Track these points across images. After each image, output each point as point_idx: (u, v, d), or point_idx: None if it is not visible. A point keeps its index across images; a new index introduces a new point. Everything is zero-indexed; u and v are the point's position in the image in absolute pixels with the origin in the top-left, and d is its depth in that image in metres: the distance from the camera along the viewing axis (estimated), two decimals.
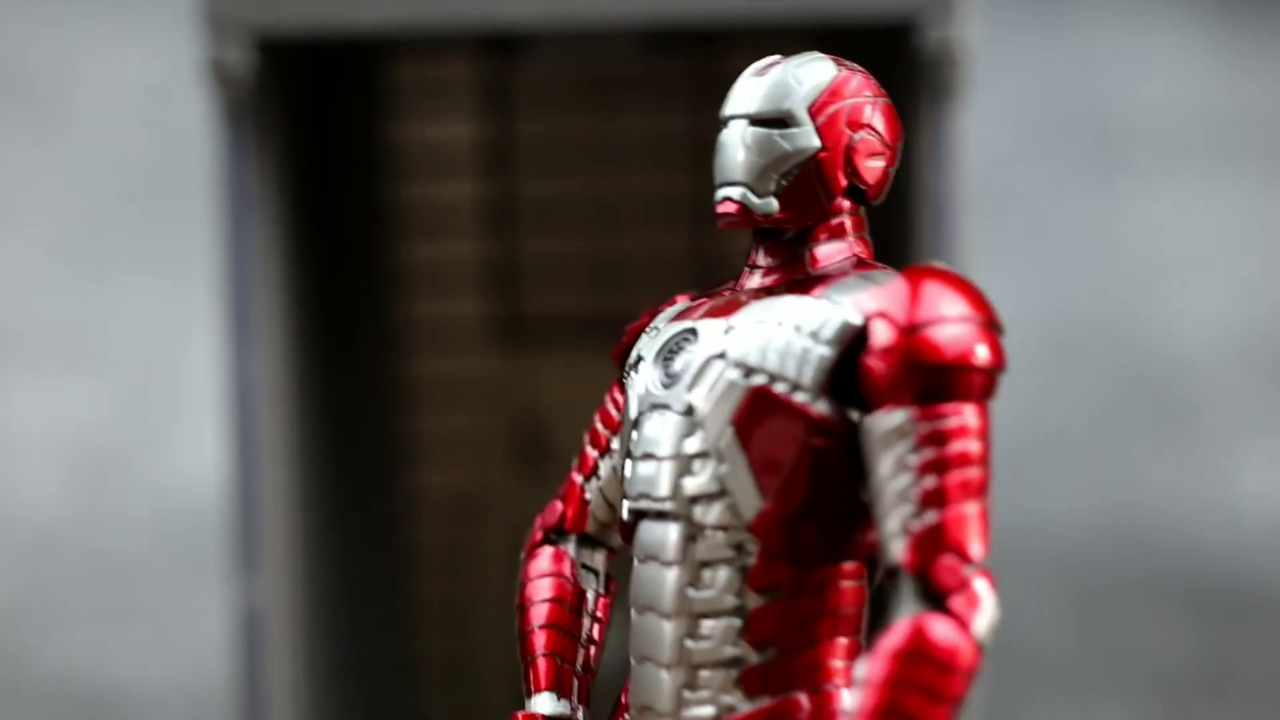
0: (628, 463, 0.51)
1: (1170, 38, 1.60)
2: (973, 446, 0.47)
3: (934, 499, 0.46)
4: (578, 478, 0.56)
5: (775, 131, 0.52)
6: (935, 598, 0.46)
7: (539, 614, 0.53)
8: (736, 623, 0.49)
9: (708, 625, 0.49)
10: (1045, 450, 1.43)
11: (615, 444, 0.55)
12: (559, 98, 1.10)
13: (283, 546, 0.96)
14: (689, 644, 0.49)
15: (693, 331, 0.51)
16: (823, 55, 0.55)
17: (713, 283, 0.57)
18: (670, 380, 0.51)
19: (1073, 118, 1.58)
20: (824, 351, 0.50)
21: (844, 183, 0.53)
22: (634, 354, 0.53)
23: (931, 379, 0.47)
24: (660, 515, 0.50)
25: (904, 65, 0.95)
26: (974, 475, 0.47)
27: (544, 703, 0.53)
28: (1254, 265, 1.55)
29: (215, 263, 0.95)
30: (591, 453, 0.56)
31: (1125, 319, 1.53)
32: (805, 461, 0.49)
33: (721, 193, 0.52)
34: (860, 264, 0.53)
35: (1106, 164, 1.57)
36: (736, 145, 0.52)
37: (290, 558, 0.97)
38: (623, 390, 0.54)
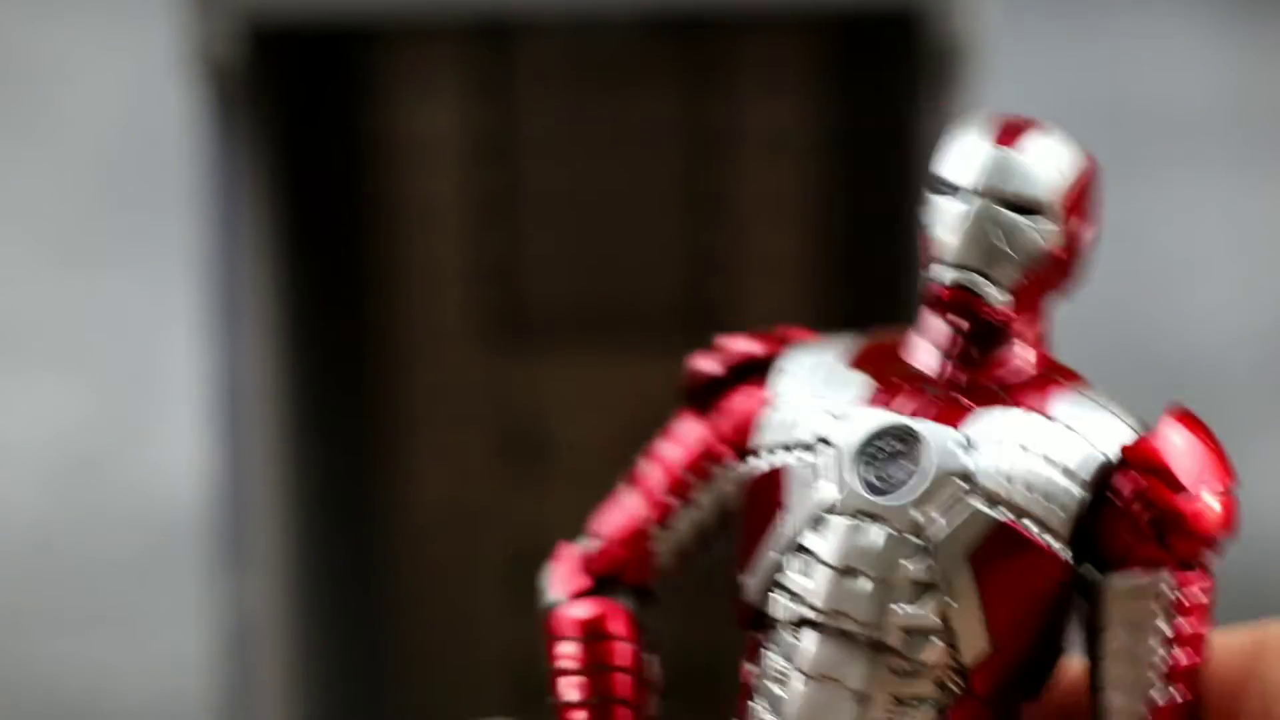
0: (794, 561, 0.45)
1: (1190, 33, 1.58)
2: (1208, 627, 0.44)
3: (1180, 677, 0.44)
4: (646, 522, 0.48)
5: (1025, 220, 0.45)
6: None
7: (624, 685, 0.47)
8: None
9: None
10: None
11: (703, 498, 0.48)
12: (558, 86, 1.08)
13: (271, 549, 0.94)
14: None
15: (912, 433, 0.45)
16: (1060, 132, 0.47)
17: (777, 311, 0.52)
18: (884, 486, 0.44)
19: (1090, 114, 1.57)
20: (1078, 493, 0.44)
21: (1068, 285, 0.47)
22: (792, 412, 0.46)
23: (1199, 546, 0.44)
24: (854, 637, 0.44)
25: (911, 57, 0.93)
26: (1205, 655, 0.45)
27: None
28: (1275, 262, 1.53)
29: (201, 258, 0.94)
30: (669, 499, 0.48)
31: (1142, 317, 1.51)
32: (1041, 609, 0.44)
33: (952, 276, 0.45)
34: (1049, 367, 0.47)
35: (1124, 160, 1.55)
36: (982, 225, 0.45)
37: (279, 561, 0.96)
38: (734, 443, 0.48)
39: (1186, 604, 0.44)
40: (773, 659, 0.45)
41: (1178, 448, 0.45)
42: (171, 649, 1.23)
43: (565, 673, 0.47)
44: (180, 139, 0.95)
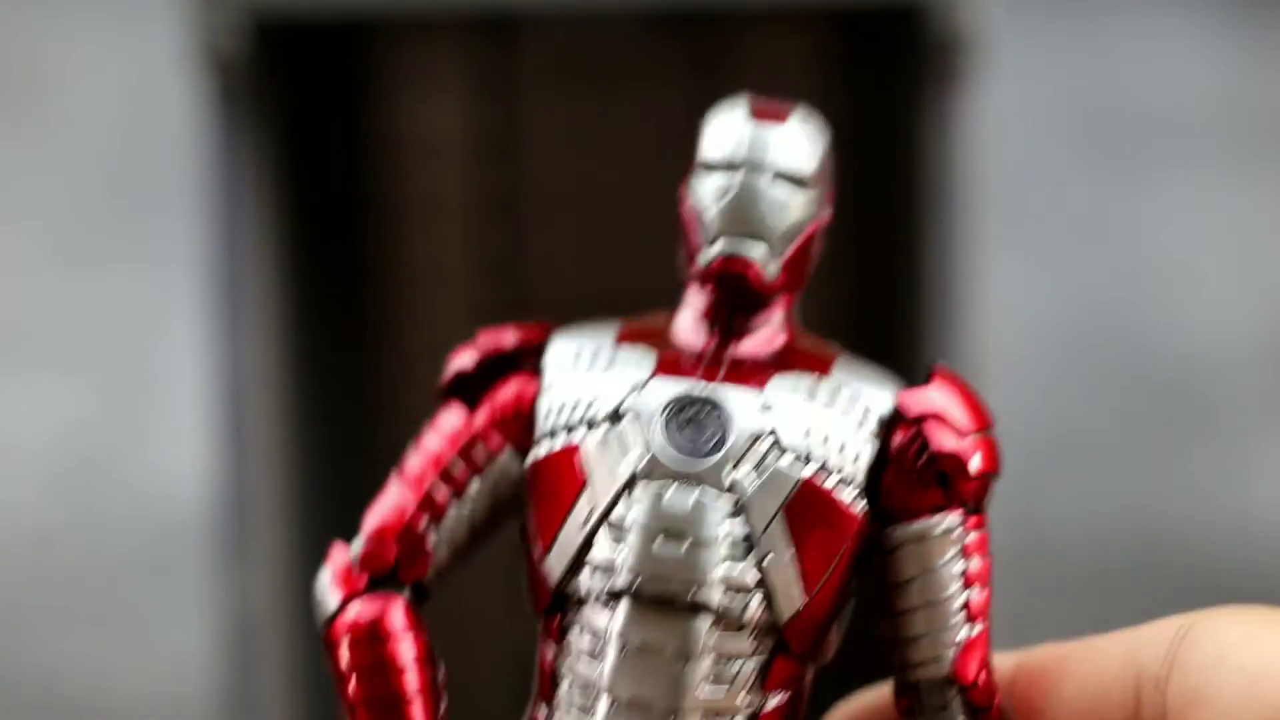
0: (604, 533, 0.44)
1: (1190, 33, 1.58)
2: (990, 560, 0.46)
3: (978, 612, 0.45)
4: (417, 516, 0.47)
5: (786, 191, 0.47)
6: (979, 712, 0.45)
7: (413, 681, 0.46)
8: None
9: None
10: (1059, 451, 1.41)
11: (474, 488, 0.48)
12: (562, 82, 1.08)
13: (272, 548, 0.94)
14: None
15: (712, 399, 0.45)
16: (808, 110, 0.49)
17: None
18: (695, 451, 0.45)
19: (1091, 112, 1.57)
20: (870, 446, 0.45)
21: (815, 261, 0.49)
22: (576, 392, 0.46)
23: (982, 488, 0.45)
24: (676, 601, 0.44)
25: (914, 53, 0.93)
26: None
27: None
28: (1275, 265, 1.53)
29: (203, 255, 0.94)
30: (440, 492, 0.47)
31: (1142, 318, 1.51)
32: (846, 564, 0.45)
33: (722, 248, 0.46)
34: (809, 339, 0.48)
35: (1124, 159, 1.55)
36: (748, 196, 0.46)
37: (280, 560, 0.95)
38: (502, 430, 0.48)
39: (973, 543, 0.45)
40: (581, 638, 0.45)
41: (944, 397, 0.46)
42: (172, 648, 1.22)
43: (350, 677, 0.46)
44: (183, 135, 0.94)
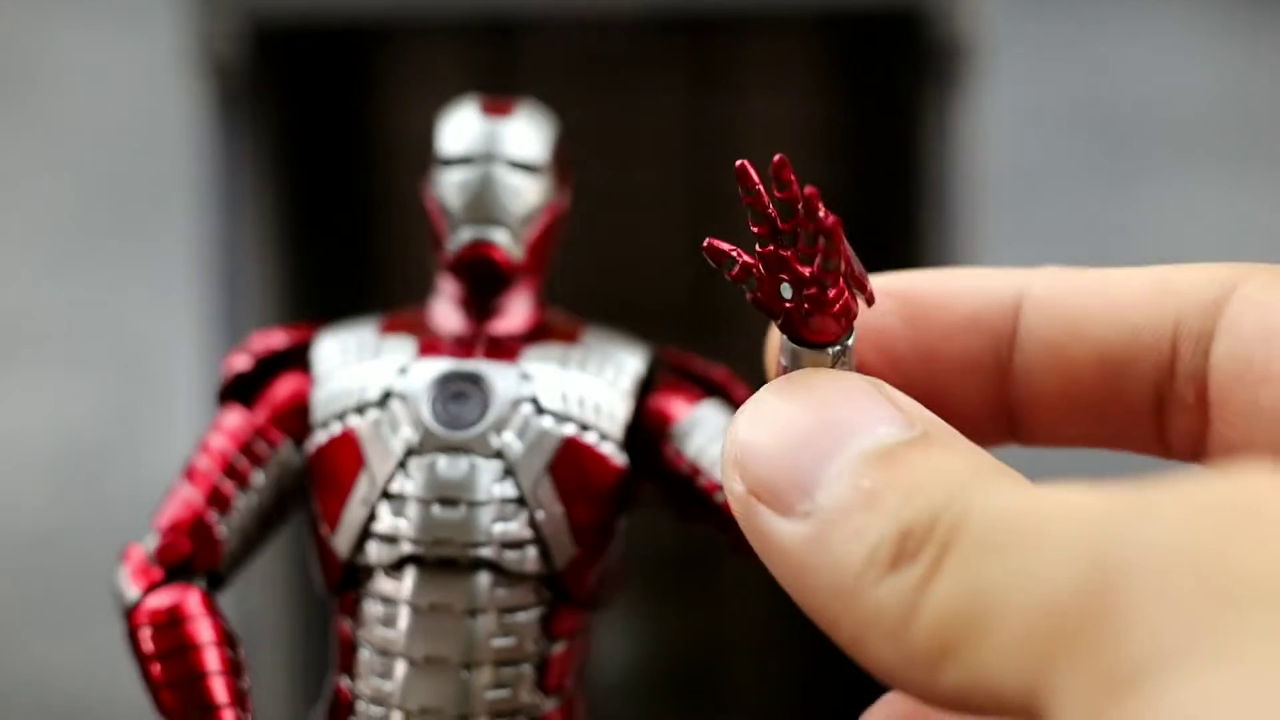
0: (384, 506, 0.47)
1: (1190, 36, 1.58)
2: None
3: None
4: (205, 511, 0.49)
5: (522, 177, 0.50)
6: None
7: (213, 659, 0.47)
8: (531, 670, 0.47)
9: (507, 673, 0.47)
10: (1059, 449, 1.41)
11: (258, 479, 0.50)
12: (562, 84, 1.08)
13: (272, 549, 0.94)
14: (489, 694, 0.47)
15: (473, 373, 0.48)
16: (533, 104, 0.53)
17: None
18: (458, 423, 0.48)
19: (1091, 116, 1.57)
20: (626, 402, 0.49)
21: (555, 245, 0.53)
22: (345, 383, 0.49)
23: (736, 387, 0.50)
24: (459, 562, 0.47)
25: (914, 56, 0.93)
26: None
27: None
28: (1275, 262, 1.53)
29: (203, 257, 0.93)
30: (224, 484, 0.50)
31: None
32: (611, 512, 0.48)
33: (469, 234, 0.49)
34: (556, 316, 0.52)
35: (1124, 162, 1.55)
36: (487, 184, 0.50)
37: (279, 560, 0.95)
38: (280, 424, 0.50)
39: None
40: (374, 607, 0.47)
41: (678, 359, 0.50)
42: None
43: (152, 660, 0.47)
44: (183, 138, 0.94)
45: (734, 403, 0.49)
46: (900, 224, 1.00)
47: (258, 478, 0.50)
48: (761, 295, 0.41)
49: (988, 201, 0.95)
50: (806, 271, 0.40)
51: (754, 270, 0.41)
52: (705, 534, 0.49)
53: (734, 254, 0.42)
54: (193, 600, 0.48)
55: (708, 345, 1.02)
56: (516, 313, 0.51)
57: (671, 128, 1.10)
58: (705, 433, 0.48)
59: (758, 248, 0.41)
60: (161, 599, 0.48)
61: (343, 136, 1.09)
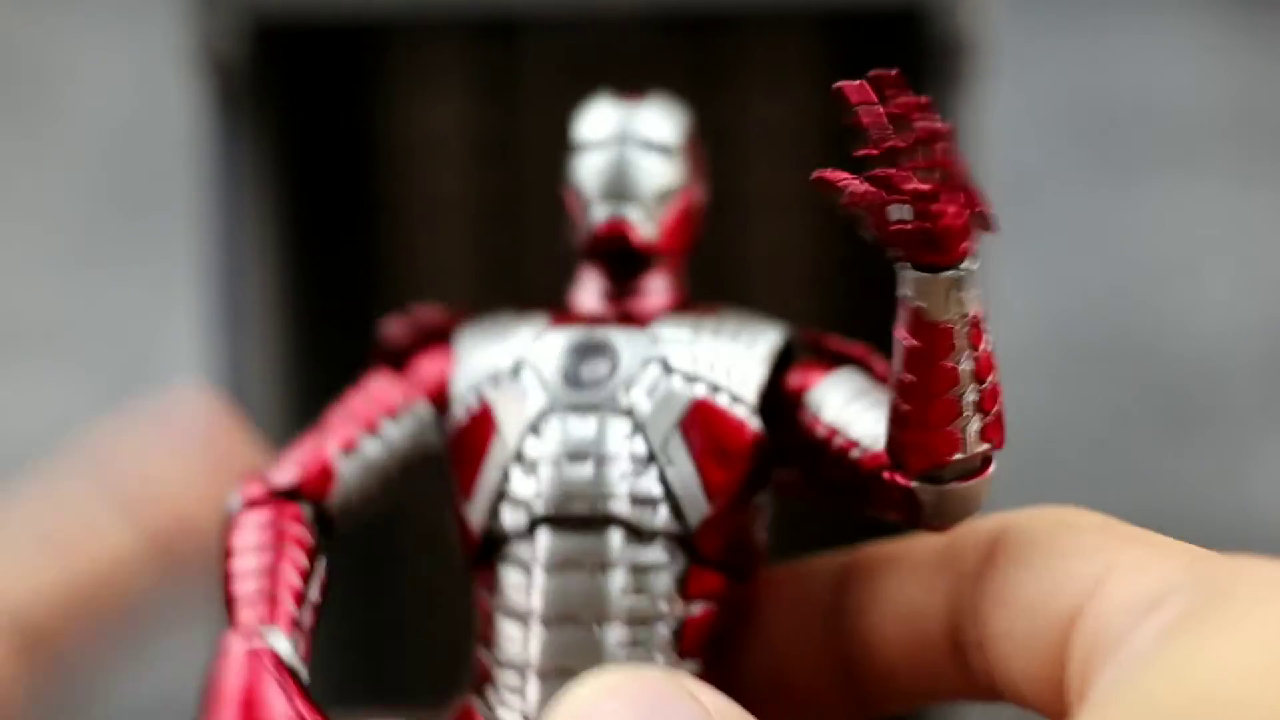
0: (516, 470, 0.48)
1: (1193, 35, 1.58)
2: None
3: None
4: (329, 448, 0.51)
5: (655, 159, 0.52)
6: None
7: (290, 555, 0.49)
8: (668, 632, 0.47)
9: (643, 633, 0.47)
10: (1058, 449, 1.41)
11: (390, 432, 0.52)
12: (564, 83, 1.08)
13: None
14: (623, 652, 0.47)
15: (605, 341, 0.49)
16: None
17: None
18: (587, 384, 0.49)
19: (1093, 115, 1.57)
20: (761, 368, 0.49)
21: (695, 233, 0.54)
22: (482, 359, 0.50)
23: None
24: (591, 519, 0.47)
25: (916, 54, 0.93)
26: None
27: (280, 641, 0.48)
28: (1275, 264, 1.53)
29: (203, 256, 0.93)
30: (353, 430, 0.51)
31: (1143, 317, 1.51)
32: (746, 474, 0.48)
33: (604, 212, 0.51)
34: (684, 299, 0.53)
35: (1128, 162, 1.55)
36: (621, 165, 0.51)
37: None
38: (423, 391, 0.52)
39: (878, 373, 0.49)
40: (509, 574, 0.48)
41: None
42: (174, 647, 1.22)
43: (234, 552, 0.49)
44: (183, 137, 0.94)
45: (873, 374, 0.49)
46: None
47: (390, 430, 0.51)
48: (873, 220, 0.41)
49: (991, 200, 0.95)
50: (919, 187, 0.40)
51: (868, 194, 0.42)
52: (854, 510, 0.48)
53: (844, 182, 0.42)
54: (288, 511, 0.49)
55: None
56: (655, 294, 0.52)
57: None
58: (840, 395, 0.48)
59: (868, 173, 0.41)
60: (260, 509, 0.49)
61: (345, 135, 1.09)
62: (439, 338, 0.53)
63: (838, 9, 0.97)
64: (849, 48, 1.07)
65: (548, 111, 1.09)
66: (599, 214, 0.50)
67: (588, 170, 0.51)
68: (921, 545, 0.47)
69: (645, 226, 0.50)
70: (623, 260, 0.51)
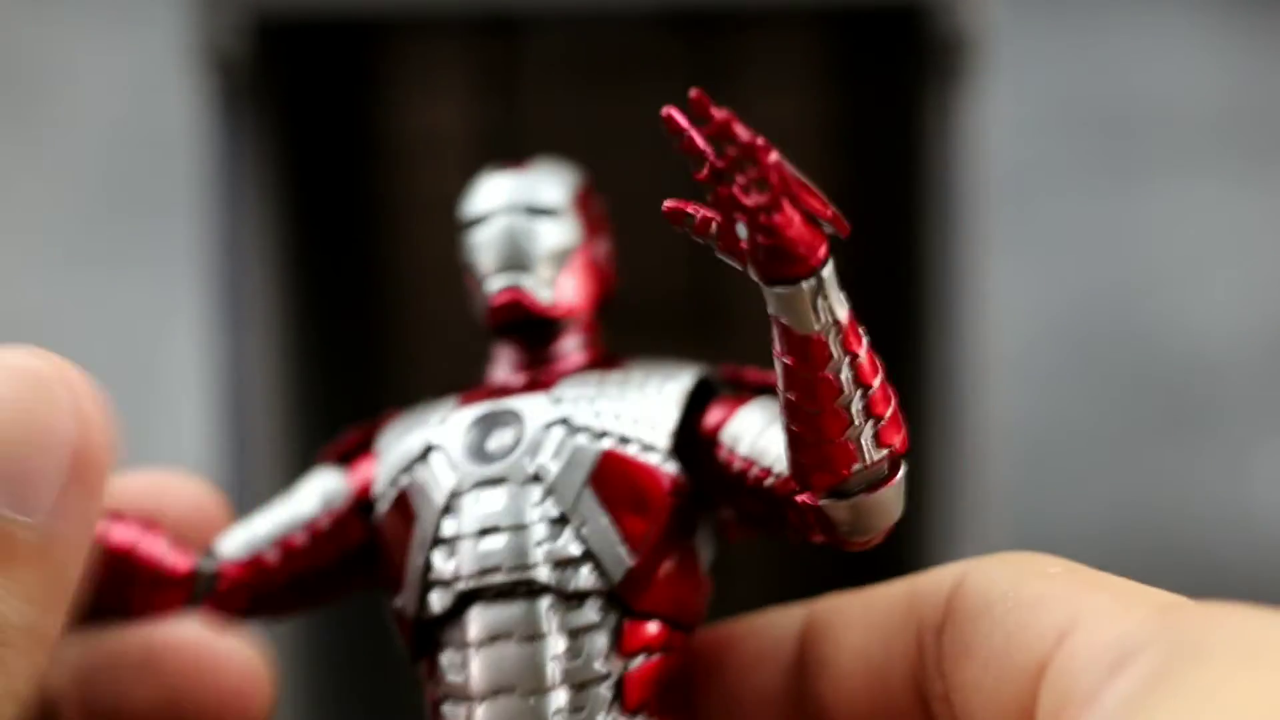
0: (437, 552, 0.47)
1: (1193, 35, 1.58)
2: None
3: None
4: (267, 551, 0.51)
5: (544, 222, 0.51)
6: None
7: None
8: (609, 692, 0.46)
9: (581, 696, 0.46)
10: (1059, 449, 1.41)
11: (328, 532, 0.51)
12: (564, 81, 1.08)
13: None
14: (564, 719, 0.46)
15: (509, 411, 0.49)
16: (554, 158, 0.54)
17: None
18: (492, 456, 0.48)
19: (1094, 114, 1.57)
20: (673, 410, 0.48)
21: (604, 291, 0.53)
22: (397, 451, 0.50)
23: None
24: (516, 589, 0.46)
25: (916, 53, 0.93)
26: None
27: None
28: (1276, 265, 1.53)
29: (205, 255, 0.93)
30: (296, 533, 0.51)
31: (1143, 317, 1.51)
32: (667, 522, 0.47)
33: (499, 283, 0.50)
34: (600, 358, 0.52)
35: (1127, 161, 1.55)
36: (510, 233, 0.51)
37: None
38: (356, 502, 0.51)
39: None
40: (447, 657, 0.47)
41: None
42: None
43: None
44: (185, 135, 0.94)
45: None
46: (902, 221, 1.00)
47: (329, 530, 0.51)
48: (722, 243, 0.40)
49: (991, 198, 0.95)
50: (751, 202, 0.39)
51: (711, 219, 0.41)
52: (787, 537, 0.47)
53: (690, 209, 0.41)
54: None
55: (706, 346, 1.02)
56: (568, 356, 0.51)
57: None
58: (756, 424, 0.47)
59: (709, 196, 0.40)
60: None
61: (346, 132, 1.09)
62: (367, 447, 0.52)
63: (838, 7, 0.97)
64: (849, 46, 1.07)
65: (548, 108, 1.09)
66: (493, 286, 0.50)
67: (478, 245, 0.51)
68: (883, 596, 0.46)
69: (542, 291, 0.50)
70: (527, 330, 0.51)
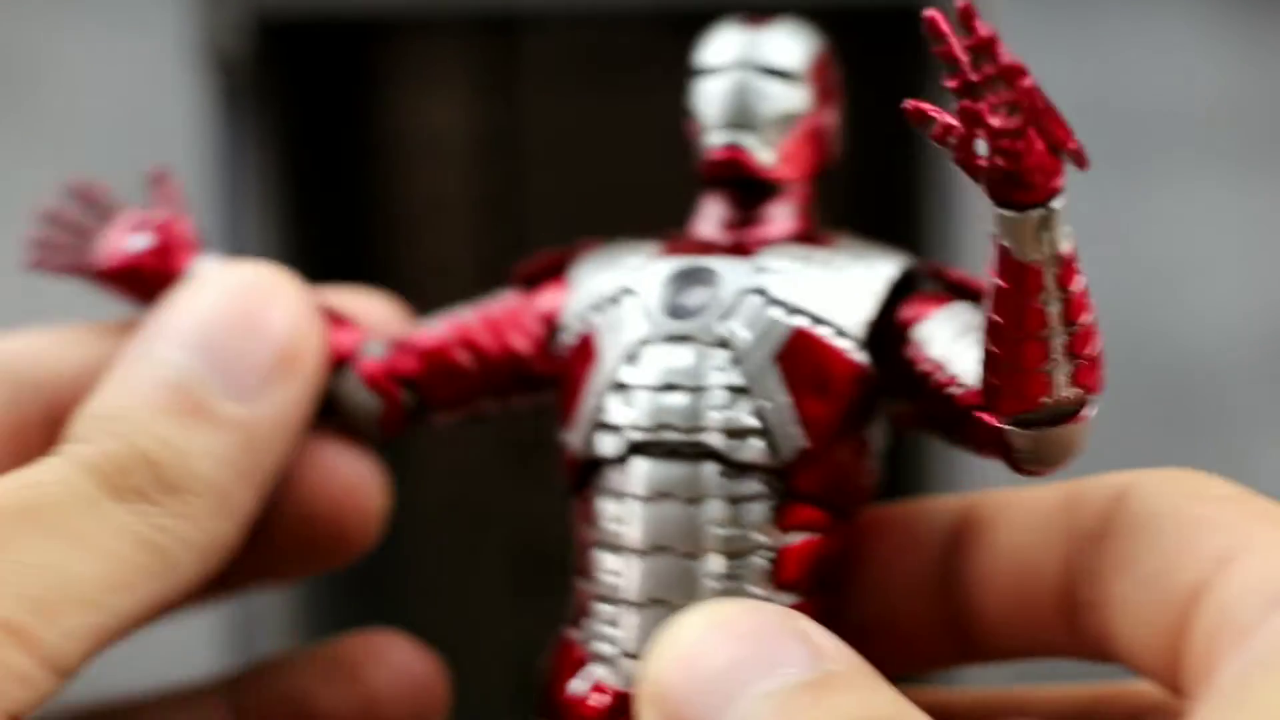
0: (614, 397, 0.47)
1: (1193, 34, 1.58)
2: None
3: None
4: (457, 348, 0.52)
5: (776, 84, 0.50)
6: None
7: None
8: (764, 563, 0.46)
9: (737, 564, 0.46)
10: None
11: (514, 341, 0.52)
12: (565, 81, 1.08)
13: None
14: (718, 584, 0.46)
15: (708, 269, 0.48)
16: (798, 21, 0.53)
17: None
18: (685, 313, 0.48)
19: (1093, 114, 1.57)
20: (871, 301, 0.47)
21: (824, 158, 0.52)
22: (590, 287, 0.50)
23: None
24: (683, 450, 0.46)
25: (913, 50, 0.93)
26: None
27: None
28: (1277, 263, 1.53)
29: (205, 252, 0.94)
30: (479, 334, 0.52)
31: (1144, 316, 1.51)
32: (846, 409, 0.47)
33: (721, 139, 0.49)
34: (808, 228, 0.51)
35: (1126, 160, 1.55)
36: (740, 90, 0.50)
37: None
38: (539, 321, 0.52)
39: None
40: (605, 504, 0.47)
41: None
42: (175, 646, 1.22)
43: None
44: (186, 133, 0.94)
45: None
46: (902, 220, 1.00)
47: (513, 339, 0.52)
48: (959, 154, 0.40)
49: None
50: (997, 123, 0.39)
51: (951, 128, 0.40)
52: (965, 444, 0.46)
53: (933, 114, 0.41)
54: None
55: None
56: (775, 223, 0.50)
57: (673, 124, 1.10)
58: (949, 330, 0.46)
59: (955, 106, 0.40)
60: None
61: (346, 131, 1.10)
62: (559, 271, 0.53)
63: (837, 7, 0.97)
64: (849, 45, 1.07)
65: (548, 108, 1.09)
66: (714, 141, 0.49)
67: (705, 96, 0.50)
68: (1040, 497, 0.46)
69: (763, 153, 0.49)
70: (741, 188, 0.50)
